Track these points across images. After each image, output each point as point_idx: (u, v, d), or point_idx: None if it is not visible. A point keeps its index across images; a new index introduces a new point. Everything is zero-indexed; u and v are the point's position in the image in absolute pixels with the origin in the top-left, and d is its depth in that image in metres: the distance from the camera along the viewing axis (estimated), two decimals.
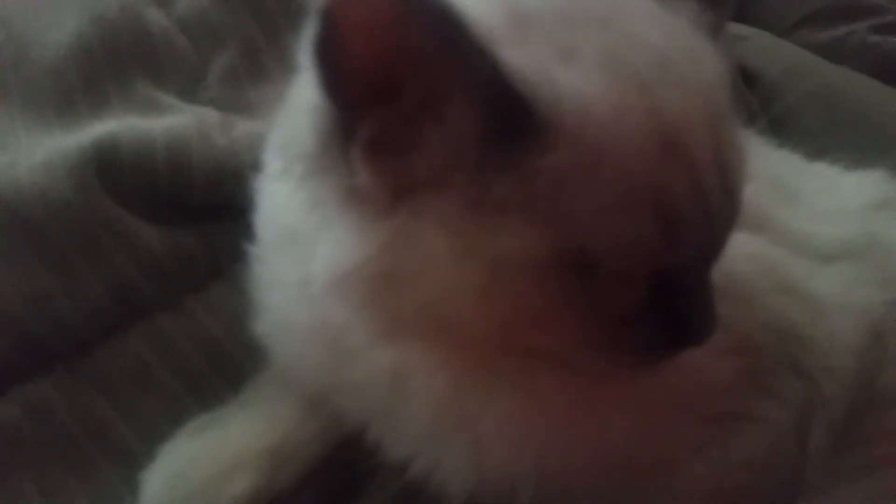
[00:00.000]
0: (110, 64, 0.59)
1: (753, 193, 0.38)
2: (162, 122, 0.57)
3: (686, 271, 0.35)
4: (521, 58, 0.31)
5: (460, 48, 0.30)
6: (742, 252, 0.42)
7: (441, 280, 0.34)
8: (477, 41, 0.30)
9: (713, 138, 0.34)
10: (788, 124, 0.72)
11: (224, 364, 0.54)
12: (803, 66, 0.77)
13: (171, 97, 0.60)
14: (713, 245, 0.37)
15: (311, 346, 0.43)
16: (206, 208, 0.56)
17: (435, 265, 0.33)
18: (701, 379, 0.43)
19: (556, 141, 0.32)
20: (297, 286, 0.41)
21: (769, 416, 0.44)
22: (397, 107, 0.32)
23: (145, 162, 0.55)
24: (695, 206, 0.34)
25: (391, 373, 0.41)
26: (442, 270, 0.33)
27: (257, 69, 0.64)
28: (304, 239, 0.39)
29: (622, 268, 0.34)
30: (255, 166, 0.49)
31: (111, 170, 0.54)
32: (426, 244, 0.33)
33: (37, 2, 0.61)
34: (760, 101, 0.74)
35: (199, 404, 0.52)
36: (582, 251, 0.33)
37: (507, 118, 0.31)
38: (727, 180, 0.35)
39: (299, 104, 0.36)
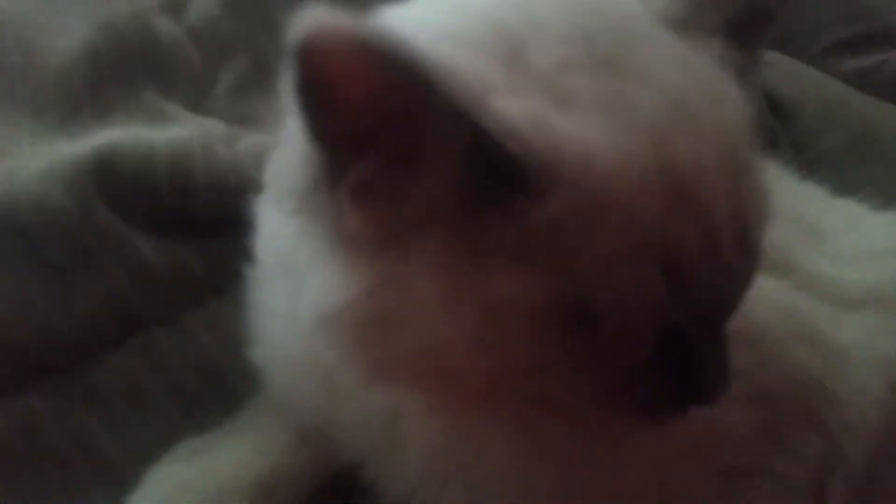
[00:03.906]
0: (118, 72, 0.58)
1: (775, 232, 0.36)
2: (166, 132, 0.55)
3: (697, 327, 0.33)
4: (514, 106, 0.29)
5: (437, 104, 0.28)
6: (761, 296, 0.39)
7: (431, 326, 0.32)
8: (456, 97, 0.28)
9: (730, 189, 0.32)
10: (821, 164, 0.69)
11: (219, 385, 0.52)
12: (839, 103, 0.74)
13: (177, 108, 0.59)
14: (727, 302, 0.34)
15: (303, 382, 0.42)
16: (207, 223, 0.55)
17: (424, 311, 0.32)
18: (714, 429, 0.40)
19: (554, 189, 0.29)
20: (289, 318, 0.40)
21: (786, 472, 0.42)
22: (379, 155, 0.30)
23: (146, 173, 0.53)
24: (707, 263, 0.31)
25: (384, 415, 0.39)
26: (432, 316, 0.32)
27: (267, 81, 0.62)
28: (296, 270, 0.37)
29: (626, 321, 0.31)
30: (258, 183, 0.48)
31: (110, 180, 0.53)
32: (415, 289, 0.31)
33: (46, 8, 0.60)
34: (788, 134, 0.72)
35: (192, 426, 0.50)
36: (582, 301, 0.31)
37: (495, 169, 0.29)
38: (745, 235, 0.33)
39: (293, 136, 0.34)
